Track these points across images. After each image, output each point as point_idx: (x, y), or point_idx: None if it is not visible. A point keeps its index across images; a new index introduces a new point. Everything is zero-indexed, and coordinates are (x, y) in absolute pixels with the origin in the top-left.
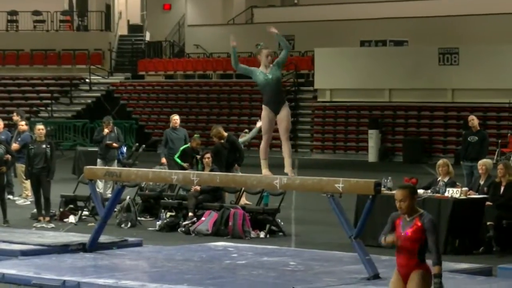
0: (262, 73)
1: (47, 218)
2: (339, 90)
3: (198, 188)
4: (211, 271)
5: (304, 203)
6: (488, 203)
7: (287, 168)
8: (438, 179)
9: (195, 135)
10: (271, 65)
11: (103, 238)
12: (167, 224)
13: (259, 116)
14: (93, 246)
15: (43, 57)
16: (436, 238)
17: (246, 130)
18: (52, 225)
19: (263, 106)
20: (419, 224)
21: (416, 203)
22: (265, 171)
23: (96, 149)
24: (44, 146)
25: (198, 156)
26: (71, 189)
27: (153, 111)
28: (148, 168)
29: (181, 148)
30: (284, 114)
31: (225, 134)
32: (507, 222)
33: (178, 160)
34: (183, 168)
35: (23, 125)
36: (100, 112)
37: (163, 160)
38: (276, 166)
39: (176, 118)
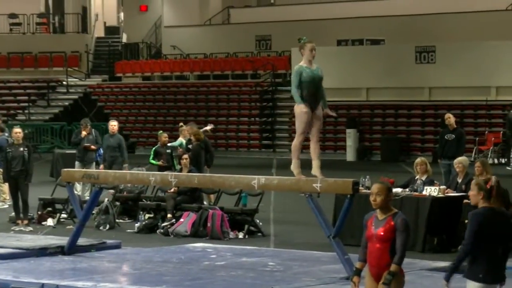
0: (308, 68)
1: (25, 221)
2: None
3: (175, 189)
4: (190, 272)
5: (283, 203)
6: (466, 201)
7: (317, 170)
8: (416, 178)
9: (159, 132)
10: (313, 63)
11: (81, 241)
12: (145, 226)
13: (236, 116)
14: (72, 249)
15: (20, 60)
16: (405, 239)
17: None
18: (30, 228)
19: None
20: (392, 223)
21: (391, 202)
22: (298, 171)
23: (74, 151)
24: (21, 149)
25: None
26: (49, 192)
27: (131, 113)
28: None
29: (153, 150)
30: (320, 112)
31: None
32: None
33: (153, 162)
34: (160, 167)
35: None
36: (78, 115)
37: (101, 166)
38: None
39: (113, 124)
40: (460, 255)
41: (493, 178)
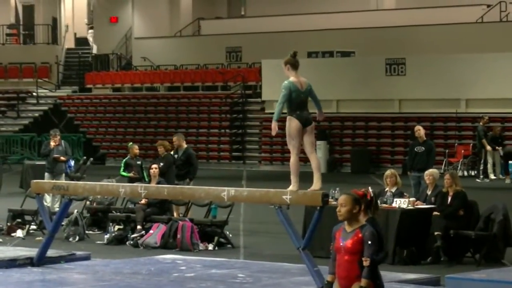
0: (293, 82)
1: None
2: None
3: (145, 200)
4: (159, 284)
5: (252, 215)
6: (435, 213)
7: (319, 184)
8: (386, 190)
9: (129, 144)
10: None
11: (51, 252)
12: (115, 237)
13: (207, 128)
14: (41, 260)
15: None
16: (373, 252)
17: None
18: None
19: (291, 117)
20: (360, 235)
21: (359, 214)
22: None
23: (44, 163)
24: None
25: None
26: (19, 203)
27: (101, 124)
28: (96, 182)
29: (123, 162)
30: (312, 127)
31: (184, 146)
32: (454, 232)
33: (124, 174)
34: (131, 179)
35: None
36: (48, 126)
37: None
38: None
39: None
40: (380, 261)
41: (370, 188)
